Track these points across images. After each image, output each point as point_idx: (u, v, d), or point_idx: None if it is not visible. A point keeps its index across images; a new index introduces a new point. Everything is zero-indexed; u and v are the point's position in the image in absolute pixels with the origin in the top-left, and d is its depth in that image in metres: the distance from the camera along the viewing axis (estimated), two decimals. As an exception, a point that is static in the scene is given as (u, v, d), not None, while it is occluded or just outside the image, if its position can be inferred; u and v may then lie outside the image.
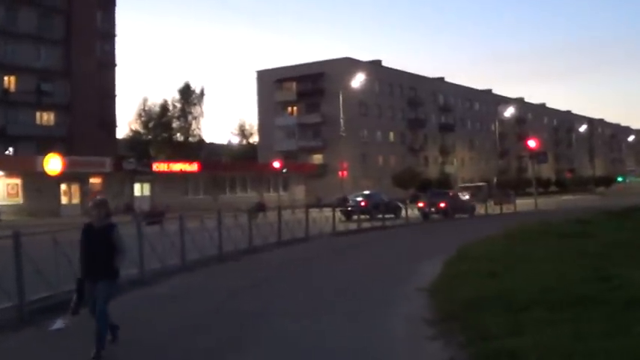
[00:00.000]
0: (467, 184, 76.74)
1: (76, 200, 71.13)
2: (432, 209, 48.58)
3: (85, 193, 71.67)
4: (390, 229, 39.57)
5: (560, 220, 34.61)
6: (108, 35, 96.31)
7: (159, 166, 79.02)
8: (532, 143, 63.35)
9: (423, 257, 22.06)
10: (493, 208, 55.69)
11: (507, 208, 56.48)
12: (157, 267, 19.13)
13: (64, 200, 70.19)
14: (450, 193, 55.99)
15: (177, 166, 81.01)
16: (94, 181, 73.46)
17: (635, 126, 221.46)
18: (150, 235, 19.43)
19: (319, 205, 41.03)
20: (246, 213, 27.17)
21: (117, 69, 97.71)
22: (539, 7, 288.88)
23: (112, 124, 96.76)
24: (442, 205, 49.47)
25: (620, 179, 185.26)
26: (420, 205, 50.33)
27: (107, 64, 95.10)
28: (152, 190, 77.24)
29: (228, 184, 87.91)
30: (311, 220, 32.50)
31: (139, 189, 76.93)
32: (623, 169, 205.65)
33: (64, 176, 67.27)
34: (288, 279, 18.53)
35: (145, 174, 76.20)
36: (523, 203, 61.56)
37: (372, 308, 13.35)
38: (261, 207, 37.56)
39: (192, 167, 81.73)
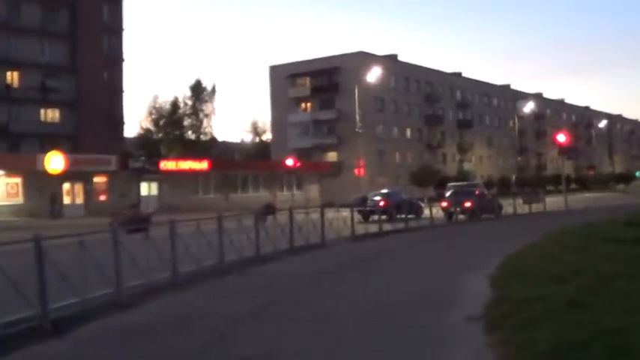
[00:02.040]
0: (458, 183, 70.32)
1: (79, 200, 68.01)
2: (458, 209, 44.96)
3: (89, 192, 68.70)
4: (413, 231, 35.88)
5: (601, 221, 31.04)
6: (115, 29, 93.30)
7: (166, 165, 75.73)
8: (561, 138, 58.88)
9: (462, 270, 18.55)
10: (522, 208, 52.18)
11: (536, 208, 52.98)
12: (140, 283, 15.77)
13: (66, 200, 66.96)
14: (477, 192, 52.43)
15: (186, 165, 77.71)
16: (99, 180, 70.35)
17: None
18: (133, 245, 16.11)
19: (336, 205, 37.37)
20: (253, 215, 23.59)
21: (126, 65, 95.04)
22: (557, 2, 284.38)
23: (120, 122, 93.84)
24: (468, 204, 45.89)
25: (638, 175, 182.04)
26: (444, 204, 46.79)
27: (114, 60, 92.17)
28: (160, 189, 74.15)
29: (240, 182, 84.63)
30: (327, 222, 28.98)
31: (147, 188, 73.78)
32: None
33: (67, 175, 64.04)
34: (302, 304, 14.66)
35: (152, 173, 73.02)
36: (550, 202, 57.84)
37: (417, 354, 9.86)
38: (270, 208, 33.74)
39: (202, 165, 78.39)
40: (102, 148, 73.86)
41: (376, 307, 13.81)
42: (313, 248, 25.94)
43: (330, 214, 30.64)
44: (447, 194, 59.72)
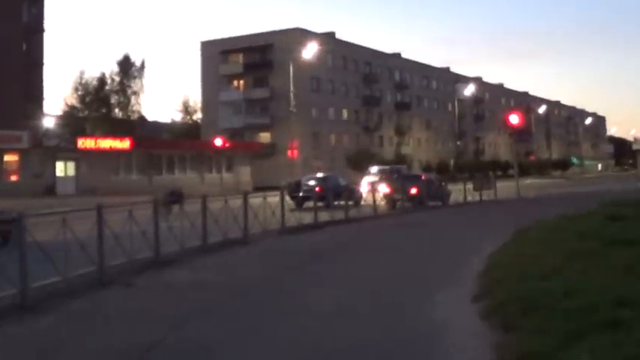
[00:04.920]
0: (381, 167, 65.36)
1: (-12, 180, 62.12)
2: (403, 196, 40.00)
3: (-3, 171, 62.90)
4: (355, 222, 30.57)
5: (577, 214, 26.24)
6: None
7: (85, 143, 69.53)
8: (514, 119, 53.61)
9: (431, 286, 13.56)
10: (472, 195, 47.56)
11: (487, 195, 48.42)
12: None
13: (-27, 180, 61.15)
14: (422, 177, 47.67)
15: (107, 143, 71.35)
16: (10, 158, 64.45)
17: (589, 109, 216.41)
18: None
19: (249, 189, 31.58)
20: (152, 205, 18.00)
21: (47, 36, 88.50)
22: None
23: (39, 96, 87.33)
24: (413, 191, 41.04)
25: (575, 161, 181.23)
26: (388, 191, 41.81)
27: (34, 30, 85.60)
28: (77, 169, 68.20)
29: (166, 163, 78.62)
30: (253, 210, 23.63)
31: (63, 168, 67.84)
32: (579, 152, 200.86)
33: (-27, 153, 58.28)
34: (203, 344, 9.62)
35: (68, 151, 67.09)
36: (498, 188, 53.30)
37: None
38: (175, 196, 27.81)
39: (124, 144, 71.89)
40: (19, 125, 67.85)
41: (315, 353, 8.79)
42: (233, 245, 20.63)
43: (256, 200, 25.34)
44: (372, 175, 55.95)
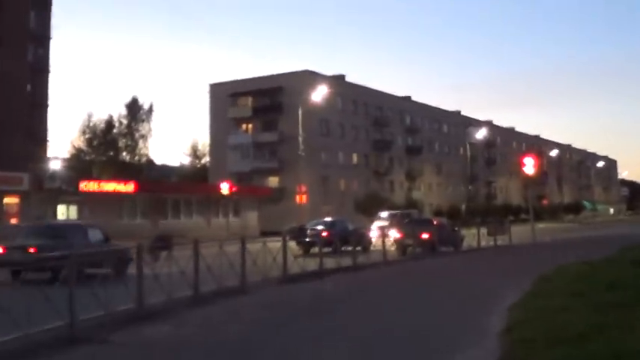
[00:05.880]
0: (391, 212, 66.31)
1: (-13, 224, 60.45)
2: (414, 241, 38.34)
3: (-3, 215, 61.30)
4: (363, 270, 28.73)
5: (599, 260, 24.60)
6: (42, 37, 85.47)
7: (87, 186, 67.84)
8: (529, 162, 51.83)
9: (446, 346, 11.84)
10: (486, 240, 45.96)
11: (502, 240, 46.81)
12: None
13: (-28, 223, 59.45)
14: (435, 222, 46.12)
15: (110, 186, 69.66)
16: (10, 201, 62.71)
17: (601, 152, 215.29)
18: None
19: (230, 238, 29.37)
20: (134, 251, 16.13)
21: (53, 78, 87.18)
22: (502, 35, 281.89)
23: (43, 138, 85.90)
24: (425, 236, 39.33)
25: (587, 205, 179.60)
26: (398, 236, 40.16)
27: (40, 70, 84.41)
28: (80, 212, 66.55)
29: (171, 207, 76.93)
30: (251, 257, 21.77)
31: (65, 212, 66.25)
32: (591, 195, 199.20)
33: (-28, 195, 56.77)
34: None
35: (70, 194, 65.49)
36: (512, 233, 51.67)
37: None
38: (164, 241, 25.84)
39: (128, 188, 70.22)
40: (21, 166, 66.28)
41: None
42: (229, 295, 18.77)
43: (256, 245, 23.57)
44: (382, 220, 55.21)
